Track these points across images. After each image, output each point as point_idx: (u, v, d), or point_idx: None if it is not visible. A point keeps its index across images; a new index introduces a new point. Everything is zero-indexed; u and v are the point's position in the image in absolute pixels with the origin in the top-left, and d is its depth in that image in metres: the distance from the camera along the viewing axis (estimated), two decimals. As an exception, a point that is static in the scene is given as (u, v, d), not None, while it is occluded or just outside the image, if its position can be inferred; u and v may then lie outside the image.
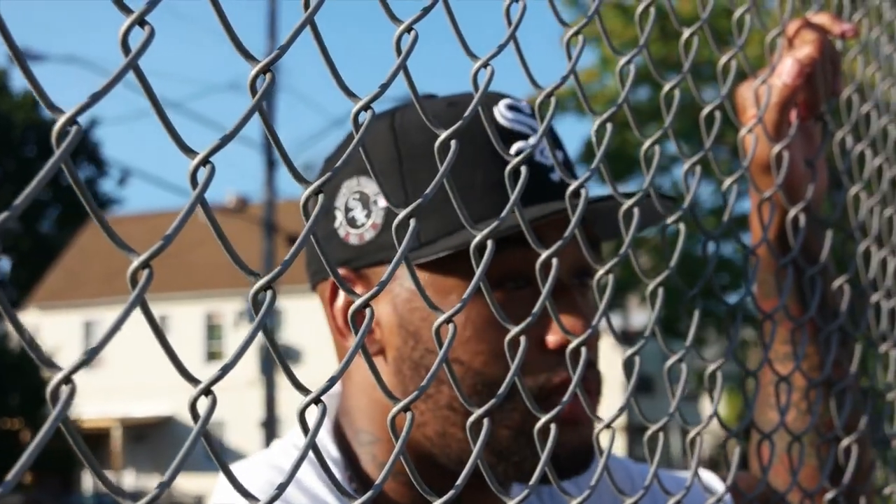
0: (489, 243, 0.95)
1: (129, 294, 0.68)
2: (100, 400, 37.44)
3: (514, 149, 1.30)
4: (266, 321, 0.79)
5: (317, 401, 0.82)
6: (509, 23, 1.02)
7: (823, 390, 1.60)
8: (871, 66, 1.91)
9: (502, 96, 1.35)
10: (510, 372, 0.96)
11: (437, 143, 0.93)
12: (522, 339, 0.97)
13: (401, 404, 0.87)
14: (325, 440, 1.36)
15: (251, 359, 26.40)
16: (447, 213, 1.25)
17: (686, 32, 1.31)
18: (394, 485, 1.32)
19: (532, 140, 1.31)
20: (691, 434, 1.22)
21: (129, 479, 39.10)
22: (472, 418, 0.94)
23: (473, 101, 0.96)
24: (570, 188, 1.08)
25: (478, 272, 0.94)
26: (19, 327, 0.64)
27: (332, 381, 0.84)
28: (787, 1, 1.60)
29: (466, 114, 0.94)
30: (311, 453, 1.33)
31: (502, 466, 1.28)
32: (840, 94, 1.64)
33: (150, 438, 39.51)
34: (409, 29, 0.91)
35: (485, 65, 0.98)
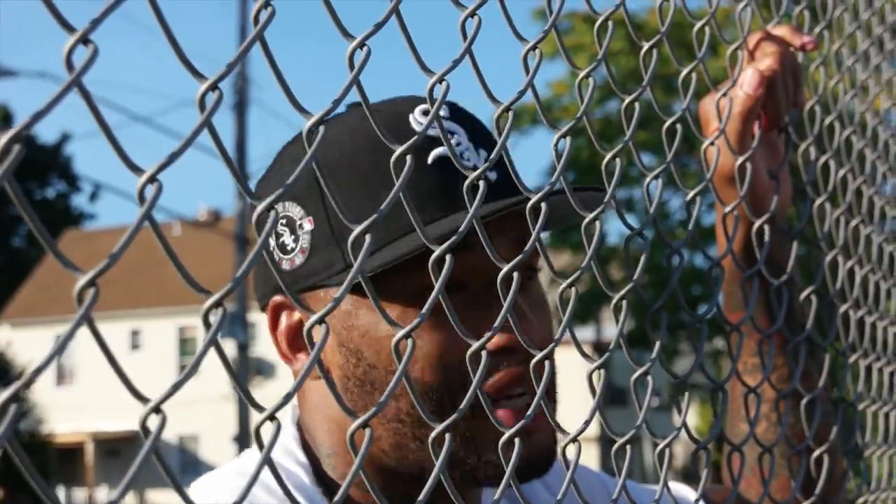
0: (448, 257, 0.95)
1: (102, 310, 0.67)
2: (72, 415, 37.36)
3: (432, 156, 1.27)
4: (217, 338, 0.79)
5: (272, 417, 0.82)
6: (464, 37, 1.01)
7: (793, 401, 1.60)
8: (833, 77, 1.92)
9: (417, 101, 1.33)
10: (472, 385, 0.96)
11: (304, 129, 0.91)
12: (484, 354, 0.97)
13: (358, 422, 0.87)
14: (294, 447, 1.36)
15: (224, 373, 26.30)
16: (376, 229, 1.22)
17: (646, 46, 1.31)
18: (359, 492, 1.32)
19: (453, 142, 1.29)
20: (660, 447, 1.21)
21: (102, 495, 38.97)
22: (432, 435, 0.94)
23: (348, 82, 0.94)
24: (529, 204, 1.07)
25: (437, 287, 0.94)
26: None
27: (286, 398, 0.84)
28: (748, 14, 1.60)
29: (336, 98, 0.91)
30: (279, 458, 1.34)
31: (456, 474, 1.26)
32: (802, 106, 1.65)
33: (124, 454, 39.39)
34: (361, 45, 0.91)
35: (440, 80, 0.98)
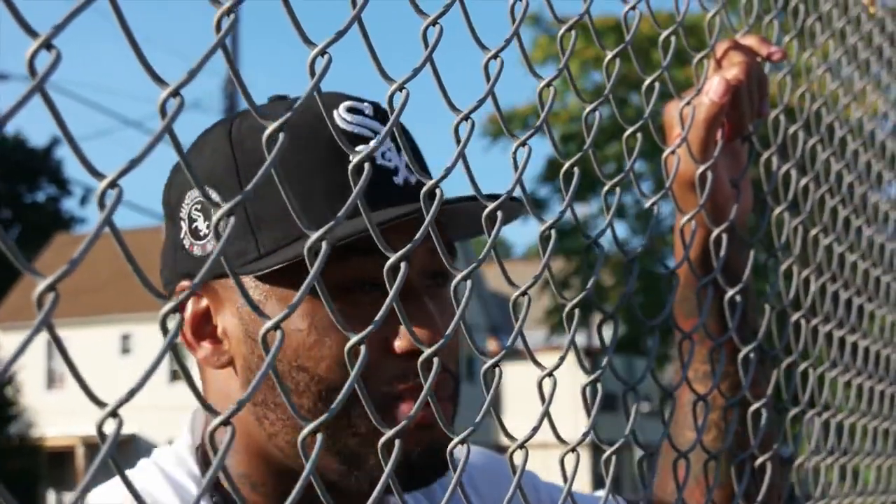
0: (323, 244, 0.92)
1: (93, 314, 0.69)
2: (62, 419, 37.23)
3: (358, 161, 1.27)
4: (176, 343, 0.80)
5: (226, 423, 0.82)
6: (426, 45, 1.03)
7: (741, 410, 1.61)
8: (801, 86, 1.94)
9: (344, 98, 1.32)
10: (349, 380, 0.93)
11: (264, 136, 0.89)
12: (363, 347, 0.94)
13: (219, 419, 0.83)
14: (187, 456, 1.35)
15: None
16: (286, 223, 1.23)
17: (608, 55, 1.33)
18: (255, 496, 1.31)
19: (373, 143, 1.25)
20: (607, 453, 1.23)
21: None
22: (303, 434, 0.91)
23: (306, 91, 0.94)
24: (425, 188, 1.04)
25: (311, 274, 0.91)
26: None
27: (240, 405, 0.83)
28: (716, 23, 1.62)
29: (296, 105, 0.91)
30: (170, 469, 1.32)
31: (355, 475, 1.26)
32: (766, 116, 1.66)
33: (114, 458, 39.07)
34: (322, 52, 0.92)
35: (400, 88, 1.00)
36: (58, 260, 40.02)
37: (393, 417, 1.20)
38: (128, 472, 1.33)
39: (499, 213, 1.10)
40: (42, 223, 45.15)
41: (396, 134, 1.05)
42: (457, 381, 1.32)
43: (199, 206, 1.30)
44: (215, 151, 1.30)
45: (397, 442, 0.98)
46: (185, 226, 1.31)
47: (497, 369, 1.08)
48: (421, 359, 1.04)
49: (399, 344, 1.25)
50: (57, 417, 36.91)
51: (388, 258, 1.00)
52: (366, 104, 1.33)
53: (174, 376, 37.07)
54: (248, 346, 1.28)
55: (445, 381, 1.28)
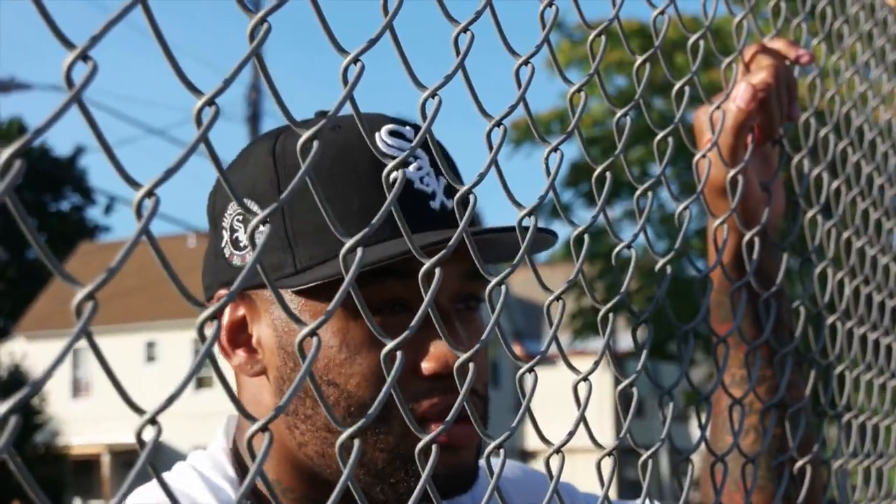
0: (359, 251, 0.94)
1: (118, 322, 0.69)
2: (88, 427, 37.32)
3: (392, 176, 1.28)
4: (213, 351, 0.80)
5: (264, 429, 0.83)
6: (457, 52, 1.03)
7: (779, 413, 1.61)
8: (830, 89, 1.93)
9: (387, 121, 1.33)
10: (384, 389, 0.95)
11: (298, 144, 0.90)
12: (399, 353, 0.96)
13: (258, 424, 0.84)
14: (222, 460, 1.37)
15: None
16: (324, 241, 1.25)
17: (638, 60, 1.33)
18: (285, 502, 1.33)
19: (412, 167, 1.30)
20: (643, 457, 1.23)
21: (118, 507, 38.88)
22: (340, 439, 0.93)
23: (340, 100, 0.94)
24: (458, 195, 1.05)
25: (346, 280, 0.92)
26: None
27: (278, 411, 0.84)
28: (743, 27, 1.62)
29: (330, 113, 0.92)
30: (207, 472, 1.33)
31: (379, 487, 1.27)
32: (797, 119, 1.66)
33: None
34: (355, 60, 0.92)
35: (432, 95, 1.00)
36: (83, 268, 40.12)
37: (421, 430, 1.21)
38: (164, 475, 1.35)
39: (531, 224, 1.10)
40: (67, 232, 45.27)
41: (435, 155, 1.07)
42: (485, 403, 1.33)
43: (240, 218, 1.32)
44: (258, 165, 1.32)
45: (434, 447, 0.99)
46: (226, 235, 1.34)
47: (532, 374, 1.09)
48: (457, 363, 1.04)
49: (427, 366, 1.26)
50: (83, 426, 37.04)
51: (415, 281, 1.01)
52: (408, 127, 1.35)
53: (200, 384, 37.13)
54: (280, 357, 1.30)
55: (474, 403, 1.28)
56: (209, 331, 0.80)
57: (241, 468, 1.36)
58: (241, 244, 1.32)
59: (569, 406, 1.33)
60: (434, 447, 0.99)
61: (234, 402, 0.86)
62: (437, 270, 0.98)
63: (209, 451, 1.39)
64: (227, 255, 1.33)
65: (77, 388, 39.89)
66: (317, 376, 1.26)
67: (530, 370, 1.08)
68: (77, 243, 42.92)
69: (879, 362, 2.08)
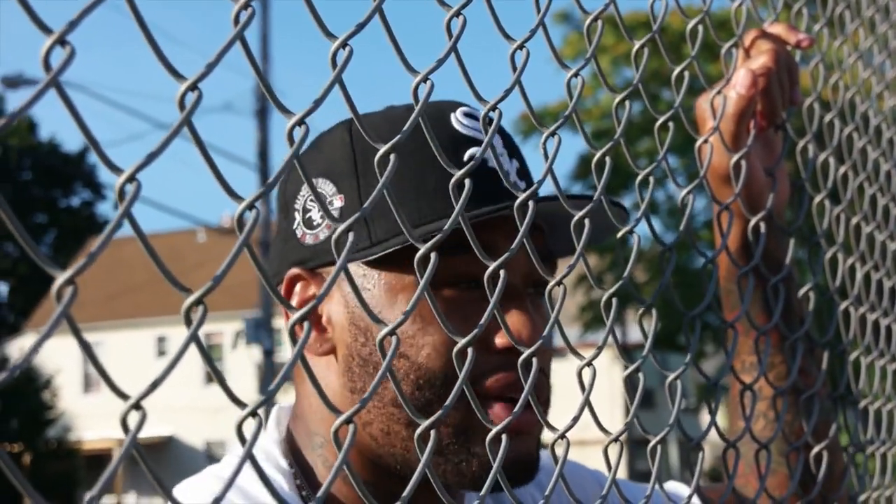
0: (433, 256, 0.97)
1: (128, 317, 0.68)
2: (100, 422, 37.44)
3: (468, 154, 1.31)
4: (197, 335, 0.79)
5: (253, 414, 0.83)
6: (450, 36, 1.02)
7: (791, 398, 1.60)
8: (834, 75, 1.92)
9: (461, 104, 1.36)
10: (458, 382, 0.96)
11: (376, 158, 0.94)
12: (470, 350, 0.98)
13: (343, 417, 0.86)
14: (274, 451, 1.37)
15: (252, 378, 26.44)
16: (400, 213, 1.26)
17: (636, 45, 1.32)
18: (345, 489, 1.32)
19: (485, 143, 1.32)
20: (607, 443, 1.22)
21: (130, 502, 39.08)
22: (419, 430, 0.95)
23: (415, 112, 0.97)
24: (519, 199, 1.09)
25: (422, 283, 0.95)
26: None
27: (268, 395, 0.85)
28: (742, 12, 1.61)
29: (405, 128, 0.95)
30: (259, 463, 1.33)
31: (443, 467, 1.27)
32: (798, 104, 1.65)
33: (151, 460, 39.08)
34: (343, 45, 0.92)
35: (424, 79, 0.99)
36: (94, 264, 40.26)
37: (486, 414, 1.21)
38: (216, 468, 1.35)
39: (586, 221, 1.14)
40: (77, 227, 45.37)
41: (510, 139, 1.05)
42: (550, 386, 1.34)
43: (313, 198, 1.34)
44: (334, 145, 1.36)
45: (504, 437, 1.02)
46: (298, 217, 1.36)
47: (591, 368, 1.14)
48: (521, 359, 1.08)
49: (499, 341, 1.27)
50: (94, 421, 37.18)
51: (495, 256, 1.05)
52: (482, 111, 1.35)
53: (209, 378, 37.24)
54: (352, 333, 1.31)
55: (543, 385, 1.31)
56: (297, 324, 0.79)
57: (294, 458, 1.37)
58: (315, 223, 1.34)
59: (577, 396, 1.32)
60: (504, 437, 1.02)
61: (319, 393, 0.90)
62: (503, 273, 1.02)
63: (260, 442, 1.38)
64: (298, 236, 1.35)
65: (88, 384, 40.05)
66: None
67: (588, 364, 1.13)
68: (87, 238, 43.04)
69: (892, 349, 2.07)
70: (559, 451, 1.11)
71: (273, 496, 0.85)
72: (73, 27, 0.71)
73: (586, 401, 1.13)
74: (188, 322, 0.79)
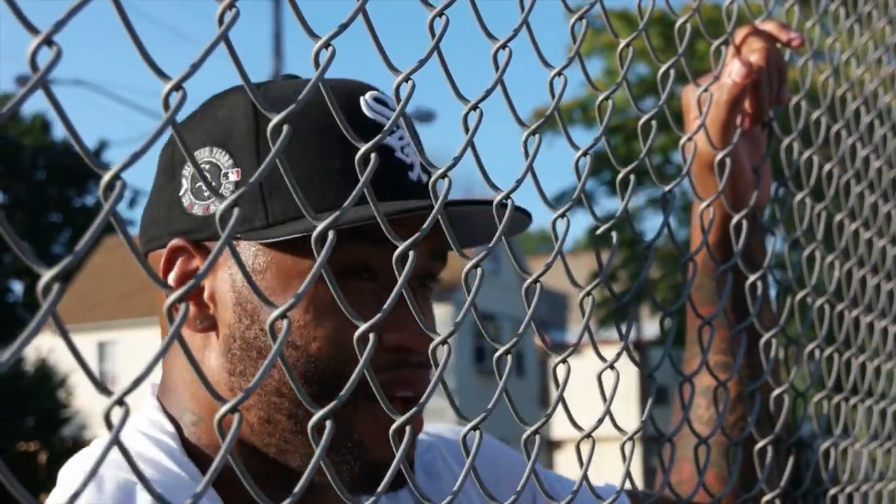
0: (330, 234, 0.93)
1: (137, 317, 0.69)
2: (115, 421, 37.36)
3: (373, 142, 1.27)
4: (180, 332, 0.81)
5: (120, 402, 0.79)
6: (433, 36, 1.04)
7: (736, 391, 1.61)
8: (824, 72, 1.93)
9: (371, 88, 1.32)
10: (356, 370, 0.94)
11: (269, 127, 0.90)
12: (372, 336, 0.95)
13: (228, 405, 0.83)
14: (158, 417, 1.30)
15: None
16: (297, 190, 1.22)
17: (621, 43, 1.33)
18: (224, 473, 1.30)
19: (394, 136, 1.28)
20: (623, 440, 1.23)
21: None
22: (313, 420, 0.91)
23: (311, 82, 0.94)
24: (435, 175, 1.06)
25: (318, 262, 0.92)
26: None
27: (135, 383, 0.81)
28: (733, 10, 1.62)
29: (301, 96, 0.91)
30: (148, 430, 1.29)
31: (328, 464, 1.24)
32: (785, 103, 1.66)
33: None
34: (326, 45, 0.93)
35: (406, 79, 1.01)
36: (107, 263, 40.28)
37: (374, 418, 1.19)
38: (95, 445, 1.29)
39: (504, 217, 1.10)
40: (90, 226, 45.04)
41: (415, 131, 1.04)
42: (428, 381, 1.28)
43: (207, 166, 1.26)
44: (233, 115, 1.28)
45: (408, 428, 0.99)
46: (186, 183, 1.28)
47: (565, 365, 1.12)
48: (433, 345, 1.04)
49: (389, 337, 1.23)
50: (109, 419, 37.15)
51: (392, 249, 1.01)
52: (391, 96, 1.30)
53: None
54: (236, 314, 1.25)
55: (423, 381, 1.26)
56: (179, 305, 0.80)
57: (174, 424, 1.30)
58: (206, 194, 1.26)
59: (592, 393, 1.33)
60: (408, 428, 0.99)
61: (203, 383, 0.85)
62: (411, 254, 0.98)
63: (144, 413, 1.32)
64: (185, 205, 1.28)
65: (103, 382, 39.96)
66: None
67: (563, 361, 1.11)
68: (101, 238, 42.81)
69: (874, 344, 2.08)
70: (584, 450, 1.12)
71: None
72: (60, 27, 0.72)
73: (609, 404, 1.13)
74: (170, 319, 0.80)
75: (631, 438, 1.19)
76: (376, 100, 1.30)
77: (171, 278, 1.27)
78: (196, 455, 1.27)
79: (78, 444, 34.58)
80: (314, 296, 1.22)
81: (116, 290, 39.33)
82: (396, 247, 1.01)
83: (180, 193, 1.28)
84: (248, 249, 1.24)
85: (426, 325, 1.07)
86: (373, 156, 0.98)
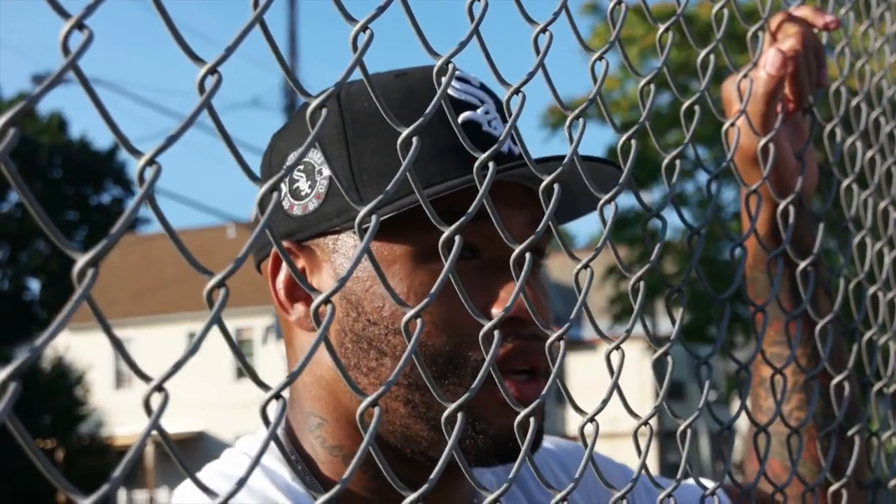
0: (457, 238, 0.95)
1: (159, 313, 0.68)
2: (132, 418, 37.59)
3: (461, 118, 1.28)
4: (220, 318, 0.80)
5: (277, 396, 0.82)
6: (472, 19, 1.02)
7: (811, 386, 1.59)
8: (860, 58, 1.90)
9: (454, 69, 1.32)
10: (486, 363, 0.96)
11: (399, 141, 0.94)
12: (496, 333, 0.96)
13: (368, 399, 0.86)
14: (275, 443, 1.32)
15: (282, 373, 26.45)
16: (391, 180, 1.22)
17: (612, 41, 1.31)
18: (356, 474, 1.30)
19: (480, 111, 1.30)
20: (637, 426, 1.21)
21: (162, 497, 39.20)
22: (446, 413, 0.94)
23: (346, 69, 0.94)
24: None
25: (446, 266, 0.94)
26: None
27: (292, 377, 0.84)
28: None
29: (338, 80, 0.92)
30: (268, 454, 1.31)
31: (444, 444, 1.24)
32: (826, 86, 1.64)
33: (184, 454, 39.23)
34: (364, 28, 0.91)
35: (446, 63, 0.99)
36: (124, 260, 40.49)
37: (491, 391, 1.14)
38: (214, 463, 1.32)
39: (555, 186, 1.09)
40: (108, 224, 45.30)
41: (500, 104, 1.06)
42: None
43: (301, 167, 1.29)
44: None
45: (532, 421, 1.03)
46: (284, 187, 1.30)
47: (619, 351, 1.13)
48: (549, 342, 1.06)
49: (496, 311, 1.24)
50: (126, 416, 37.31)
51: (484, 225, 1.05)
52: (473, 76, 1.35)
53: (240, 374, 37.36)
54: (343, 307, 1.27)
55: (541, 353, 1.24)
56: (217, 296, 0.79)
57: (292, 443, 1.32)
58: (302, 193, 1.29)
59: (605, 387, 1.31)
60: (532, 420, 1.02)
61: (345, 378, 0.89)
62: (458, 238, 0.98)
63: (259, 434, 1.34)
64: (286, 207, 1.30)
65: (120, 379, 40.19)
66: (383, 325, 1.24)
67: (617, 348, 1.12)
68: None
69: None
70: (588, 432, 1.11)
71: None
72: (91, 11, 0.71)
73: (615, 383, 1.12)
74: (210, 304, 0.79)
75: (646, 423, 1.16)
76: (458, 79, 1.32)
77: (279, 282, 1.31)
78: (317, 473, 1.30)
79: (94, 441, 34.75)
80: (414, 281, 1.24)
81: (132, 288, 39.53)
82: (486, 220, 1.04)
83: (280, 198, 1.31)
84: (348, 242, 1.27)
85: (535, 299, 1.10)
86: (491, 164, 1.02)
